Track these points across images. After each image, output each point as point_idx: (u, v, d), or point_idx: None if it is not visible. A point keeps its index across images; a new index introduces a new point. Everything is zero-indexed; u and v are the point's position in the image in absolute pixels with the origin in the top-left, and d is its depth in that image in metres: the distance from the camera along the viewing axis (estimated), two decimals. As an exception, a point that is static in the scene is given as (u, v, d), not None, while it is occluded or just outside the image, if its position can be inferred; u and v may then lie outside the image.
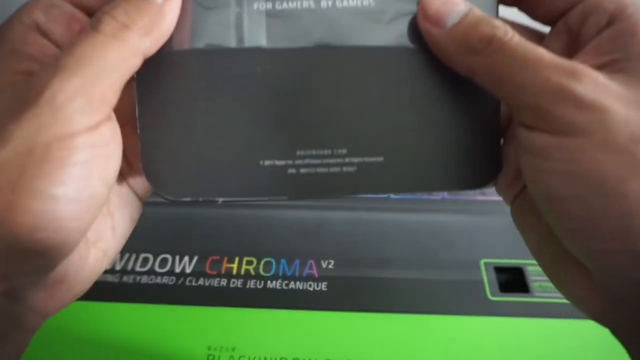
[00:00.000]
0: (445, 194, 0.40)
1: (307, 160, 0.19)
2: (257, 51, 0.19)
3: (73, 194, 0.15)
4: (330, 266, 0.36)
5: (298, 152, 0.19)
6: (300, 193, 0.19)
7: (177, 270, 0.35)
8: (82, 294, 0.19)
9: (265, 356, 0.31)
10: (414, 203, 0.40)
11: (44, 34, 0.18)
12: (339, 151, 0.19)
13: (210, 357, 0.31)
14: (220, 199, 0.19)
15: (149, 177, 0.19)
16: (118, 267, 0.35)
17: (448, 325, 0.32)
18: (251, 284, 0.34)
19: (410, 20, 0.19)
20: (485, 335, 0.31)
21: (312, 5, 0.19)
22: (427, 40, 0.18)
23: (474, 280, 0.35)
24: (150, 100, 0.19)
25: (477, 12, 0.17)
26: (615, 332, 0.17)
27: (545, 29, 0.20)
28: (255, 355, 0.31)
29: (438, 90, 0.19)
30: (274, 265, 0.36)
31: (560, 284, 0.18)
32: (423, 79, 0.19)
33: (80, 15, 0.18)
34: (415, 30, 0.19)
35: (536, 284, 0.34)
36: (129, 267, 0.35)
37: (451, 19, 0.17)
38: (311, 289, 0.34)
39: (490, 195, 0.40)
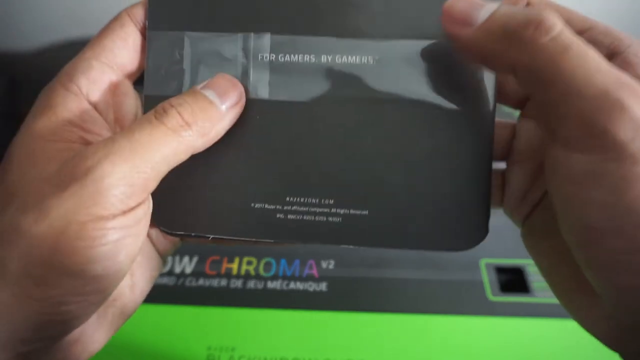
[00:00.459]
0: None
1: (295, 207, 0.20)
2: (258, 102, 0.20)
3: (101, 271, 0.15)
4: (330, 266, 0.36)
5: (287, 199, 0.20)
6: (286, 238, 0.20)
7: (177, 270, 0.35)
8: (96, 352, 0.19)
9: (265, 356, 0.31)
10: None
11: (84, 97, 0.18)
12: (326, 201, 0.20)
13: (210, 357, 0.31)
14: (211, 236, 0.20)
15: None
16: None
17: (448, 325, 0.32)
18: (251, 284, 0.34)
19: (405, 80, 0.19)
20: (485, 335, 0.31)
21: (313, 59, 0.20)
22: (456, 45, 0.17)
23: (474, 280, 0.34)
24: None
25: (510, 5, 0.16)
26: (626, 357, 0.16)
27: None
28: (255, 355, 0.31)
29: (428, 150, 0.19)
30: (274, 266, 0.36)
31: (570, 307, 0.18)
32: (414, 138, 0.19)
33: (117, 78, 0.19)
34: (409, 89, 0.19)
35: (536, 284, 0.34)
36: (130, 267, 0.36)
37: (482, 14, 0.15)
38: (311, 289, 0.34)
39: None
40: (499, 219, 0.38)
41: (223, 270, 0.35)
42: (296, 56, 0.20)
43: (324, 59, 0.20)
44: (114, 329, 0.19)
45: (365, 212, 0.20)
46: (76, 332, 0.17)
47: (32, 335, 0.15)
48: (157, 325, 0.32)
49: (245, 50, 0.20)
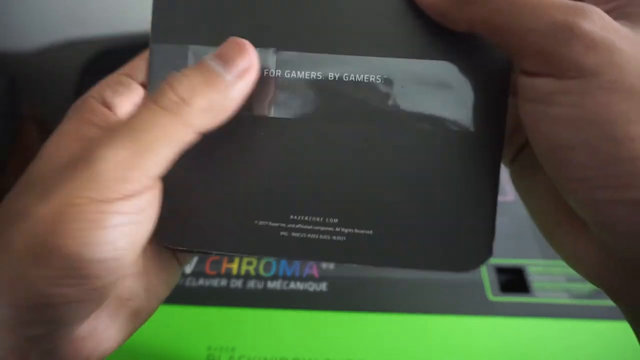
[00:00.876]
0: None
1: (299, 225, 0.20)
2: (263, 119, 0.20)
3: (98, 255, 0.15)
4: (330, 266, 0.36)
5: (292, 217, 0.20)
6: (289, 255, 0.20)
7: (178, 270, 0.35)
8: (110, 352, 0.19)
9: (265, 356, 0.31)
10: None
11: (109, 107, 0.18)
12: (331, 220, 0.20)
13: (210, 357, 0.31)
14: (214, 252, 0.20)
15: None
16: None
17: (448, 325, 0.32)
18: (251, 284, 0.34)
19: (411, 100, 0.19)
20: (485, 335, 0.31)
21: (320, 76, 0.20)
22: (421, 6, 0.18)
23: (474, 280, 0.34)
24: None
25: None
26: (609, 292, 0.17)
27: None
28: (255, 355, 0.31)
29: (434, 171, 0.19)
30: (274, 266, 0.36)
31: (557, 244, 0.18)
32: (420, 158, 0.19)
33: (141, 90, 0.20)
34: (415, 109, 0.19)
35: (536, 284, 0.34)
36: (130, 267, 0.36)
37: None
38: (311, 289, 0.34)
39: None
40: (498, 219, 0.38)
41: (223, 270, 0.35)
42: (302, 73, 0.20)
43: (330, 76, 0.20)
44: (128, 331, 0.19)
45: (370, 232, 0.20)
46: (87, 328, 0.17)
47: (32, 317, 0.16)
48: (157, 325, 0.32)
49: None
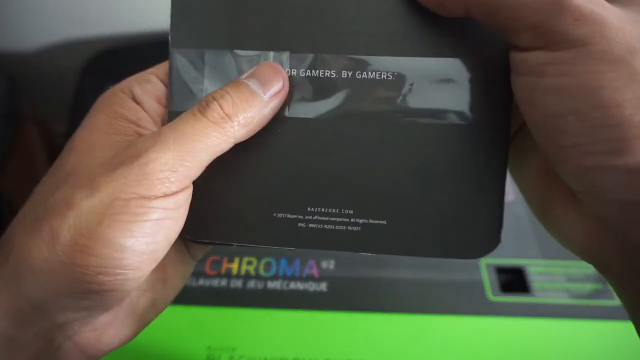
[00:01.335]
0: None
1: (316, 217, 0.21)
2: (281, 119, 0.20)
3: (139, 246, 0.17)
4: (330, 266, 0.36)
5: (309, 209, 0.21)
6: (307, 245, 0.21)
7: (178, 270, 0.35)
8: (127, 341, 0.20)
9: (265, 356, 0.31)
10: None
11: (138, 102, 0.20)
12: (346, 211, 0.21)
13: (211, 357, 0.31)
14: (235, 244, 0.21)
15: None
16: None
17: (448, 325, 0.32)
18: (251, 284, 0.34)
19: (423, 95, 0.20)
20: (485, 335, 0.31)
21: (334, 75, 0.20)
22: None
23: (474, 280, 0.35)
24: None
25: None
26: (599, 266, 0.18)
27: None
28: (255, 355, 0.31)
29: (444, 163, 0.20)
30: (274, 266, 0.36)
31: (551, 224, 0.19)
32: (430, 151, 0.20)
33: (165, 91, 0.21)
34: (426, 104, 0.20)
35: (536, 284, 0.34)
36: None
37: None
38: (311, 289, 0.34)
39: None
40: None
41: (223, 270, 0.35)
42: (317, 71, 0.20)
43: (344, 74, 0.20)
44: (145, 321, 0.20)
45: (384, 222, 0.20)
46: (110, 315, 0.19)
47: (71, 303, 0.17)
48: (157, 325, 0.32)
49: None
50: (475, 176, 0.20)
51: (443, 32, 0.20)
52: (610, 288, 0.18)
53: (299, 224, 0.21)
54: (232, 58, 0.21)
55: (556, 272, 0.35)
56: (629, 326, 0.17)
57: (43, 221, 0.17)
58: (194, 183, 0.19)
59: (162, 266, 0.21)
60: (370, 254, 0.21)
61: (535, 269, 0.35)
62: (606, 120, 0.15)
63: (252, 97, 0.19)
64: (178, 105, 0.21)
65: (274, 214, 0.21)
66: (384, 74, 0.20)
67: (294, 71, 0.20)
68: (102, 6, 0.57)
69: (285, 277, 0.35)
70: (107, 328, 0.19)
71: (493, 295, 0.34)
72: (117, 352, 0.20)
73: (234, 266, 0.36)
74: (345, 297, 0.34)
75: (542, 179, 0.19)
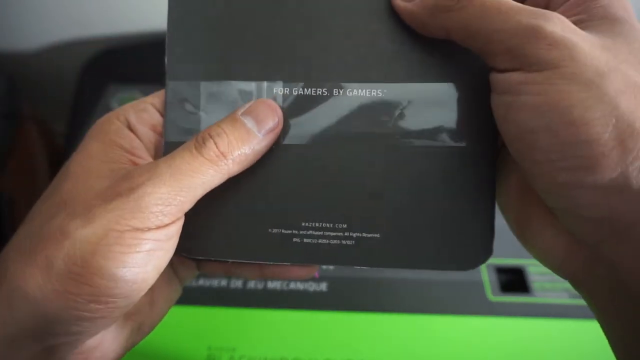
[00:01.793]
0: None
1: (310, 232, 0.21)
2: (276, 146, 0.21)
3: (131, 276, 0.17)
4: (330, 267, 0.36)
5: (303, 224, 0.21)
6: (302, 260, 0.21)
7: (178, 270, 0.35)
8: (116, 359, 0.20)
9: (265, 356, 0.31)
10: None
11: (133, 131, 0.21)
12: (340, 226, 0.21)
13: (211, 357, 0.31)
14: (230, 260, 0.21)
15: None
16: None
17: (448, 325, 0.32)
18: (251, 284, 0.34)
19: (409, 120, 0.21)
20: (485, 335, 0.31)
21: (325, 92, 0.21)
22: (401, 16, 0.20)
23: (474, 280, 0.35)
24: None
25: None
26: (573, 281, 0.18)
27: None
28: (255, 355, 0.31)
29: (435, 179, 0.21)
30: (274, 266, 0.36)
31: (527, 239, 0.19)
32: (422, 168, 0.21)
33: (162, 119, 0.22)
34: (414, 129, 0.20)
35: (536, 284, 0.34)
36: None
37: None
38: (311, 289, 0.34)
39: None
40: (498, 219, 0.38)
41: (223, 270, 0.35)
42: (308, 90, 0.21)
43: (335, 92, 0.21)
44: (130, 344, 0.21)
45: (377, 236, 0.21)
46: (97, 338, 0.19)
47: (62, 328, 0.17)
48: (157, 325, 0.32)
49: (259, 97, 0.21)
50: (467, 192, 0.20)
51: (434, 56, 0.20)
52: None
53: (294, 239, 0.21)
54: (227, 89, 0.21)
55: (556, 272, 0.35)
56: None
57: (38, 249, 0.17)
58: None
59: (149, 290, 0.21)
60: (365, 267, 0.21)
61: (535, 269, 0.35)
62: (576, 137, 0.15)
63: (248, 136, 0.19)
64: (174, 136, 0.21)
65: (269, 230, 0.21)
66: (376, 99, 0.21)
67: (286, 90, 0.21)
68: (102, 6, 0.57)
69: (285, 277, 0.35)
70: (93, 351, 0.19)
71: (493, 295, 0.34)
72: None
73: (234, 266, 0.36)
74: (345, 297, 0.34)
75: (520, 197, 0.19)
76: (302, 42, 0.21)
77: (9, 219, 0.53)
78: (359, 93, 0.21)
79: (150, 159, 0.20)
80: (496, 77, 0.18)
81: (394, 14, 0.20)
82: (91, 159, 0.19)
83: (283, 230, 0.21)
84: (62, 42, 0.61)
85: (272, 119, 0.20)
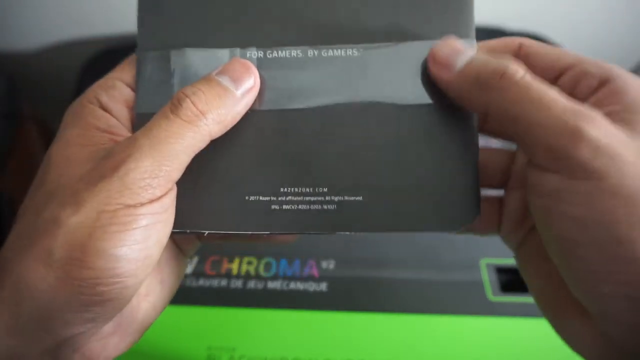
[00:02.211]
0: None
1: (289, 197, 0.20)
2: (252, 112, 0.20)
3: (132, 254, 0.17)
4: (330, 266, 0.36)
5: (282, 189, 0.20)
6: (282, 228, 0.20)
7: (178, 270, 0.35)
8: (132, 345, 0.20)
9: (265, 356, 0.31)
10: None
11: (107, 110, 0.20)
12: (320, 189, 0.20)
13: (211, 357, 0.31)
14: (206, 232, 0.20)
15: None
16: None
17: (448, 325, 0.32)
18: (251, 284, 0.34)
19: (391, 77, 0.20)
20: (485, 335, 0.31)
21: (300, 54, 0.21)
22: (439, 85, 0.19)
23: (474, 280, 0.35)
24: None
25: (485, 54, 0.18)
26: None
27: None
28: (255, 355, 0.31)
29: (417, 136, 0.20)
30: (274, 266, 0.36)
31: (562, 330, 0.19)
32: (403, 128, 0.20)
33: (132, 94, 0.21)
34: (396, 81, 0.20)
35: (537, 284, 0.34)
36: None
37: (460, 61, 0.18)
38: (311, 289, 0.34)
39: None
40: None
41: (223, 270, 0.35)
42: (283, 52, 0.21)
43: (310, 53, 0.21)
44: (146, 325, 0.21)
45: (360, 198, 0.20)
46: (112, 325, 0.19)
47: (73, 317, 0.17)
48: (157, 325, 0.32)
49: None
50: (448, 150, 0.20)
51: (409, 16, 0.20)
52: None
53: (273, 206, 0.20)
54: (199, 56, 0.21)
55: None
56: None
57: (35, 242, 0.17)
58: None
59: (158, 268, 0.21)
60: (348, 233, 0.20)
61: (535, 269, 0.35)
62: (623, 254, 0.15)
63: (225, 94, 0.19)
64: (145, 108, 0.21)
65: (246, 197, 0.20)
66: (351, 54, 0.20)
67: (260, 54, 0.21)
68: (102, 6, 0.57)
69: (285, 277, 0.35)
70: (111, 337, 0.19)
71: (493, 295, 0.34)
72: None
73: (234, 266, 0.36)
74: (345, 297, 0.34)
75: (555, 287, 0.19)
76: (276, 6, 0.21)
77: (9, 219, 0.53)
78: (334, 53, 0.20)
79: (128, 135, 0.20)
80: (535, 176, 0.17)
81: None
82: (71, 145, 0.19)
83: (261, 197, 0.20)
84: (62, 42, 0.61)
85: (249, 78, 0.20)
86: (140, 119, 0.20)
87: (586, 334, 0.17)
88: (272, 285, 0.34)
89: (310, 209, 0.20)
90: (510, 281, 0.35)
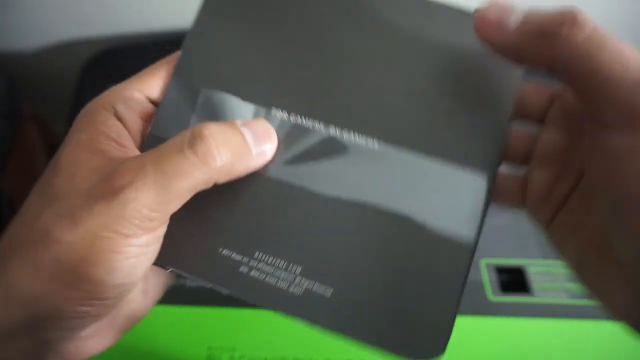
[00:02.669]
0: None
1: (260, 265, 0.20)
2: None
3: (119, 280, 0.17)
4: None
5: (256, 254, 0.20)
6: (240, 293, 0.20)
7: (178, 270, 0.35)
8: (108, 348, 0.20)
9: (265, 356, 0.31)
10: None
11: (120, 119, 0.20)
12: (294, 268, 0.20)
13: (211, 357, 0.31)
14: (170, 269, 0.20)
15: None
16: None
17: (448, 325, 0.32)
18: (251, 284, 0.34)
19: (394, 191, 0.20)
20: (485, 335, 0.31)
21: (322, 129, 0.21)
22: (491, 47, 0.18)
23: (474, 280, 0.34)
24: None
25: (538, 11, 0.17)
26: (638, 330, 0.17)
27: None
28: (255, 355, 0.31)
29: (401, 248, 0.19)
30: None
31: (602, 296, 0.18)
32: (402, 244, 0.20)
33: (149, 108, 0.21)
34: (397, 196, 0.20)
35: (537, 284, 0.34)
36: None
37: (515, 17, 0.17)
38: (311, 289, 0.34)
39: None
40: (498, 219, 0.38)
41: (223, 270, 0.35)
42: (305, 120, 0.21)
43: (332, 132, 0.21)
44: (125, 329, 0.21)
45: (329, 292, 0.19)
46: (91, 329, 0.19)
47: (53, 325, 0.17)
48: (157, 325, 0.32)
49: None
50: (432, 273, 0.19)
51: (455, 132, 0.20)
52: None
53: (241, 268, 0.20)
54: (225, 102, 0.21)
55: (556, 272, 0.35)
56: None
57: (27, 248, 0.17)
58: None
59: (143, 279, 0.20)
60: (303, 322, 0.19)
61: (535, 269, 0.35)
62: None
63: (245, 147, 0.19)
64: (159, 131, 0.21)
65: (219, 250, 0.20)
66: (370, 147, 0.20)
67: (284, 115, 0.21)
68: (102, 6, 0.57)
69: (285, 277, 0.35)
70: (88, 340, 0.19)
71: (493, 295, 0.34)
72: (117, 352, 0.20)
73: (234, 266, 0.36)
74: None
75: (593, 252, 0.18)
76: (310, 77, 0.21)
77: (9, 219, 0.53)
78: (354, 140, 0.20)
79: (135, 149, 0.20)
80: (603, 135, 0.16)
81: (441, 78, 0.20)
82: (79, 151, 0.19)
83: (233, 255, 0.20)
84: (62, 42, 0.61)
85: (269, 142, 0.20)
86: (152, 140, 0.20)
87: (627, 293, 0.17)
88: (272, 285, 0.34)
89: (275, 285, 0.19)
90: (510, 281, 0.35)
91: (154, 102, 0.21)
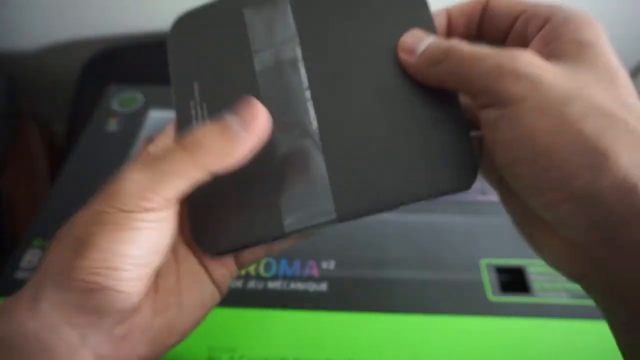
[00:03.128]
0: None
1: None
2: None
3: (124, 251, 0.19)
4: (330, 266, 0.36)
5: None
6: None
7: (178, 270, 0.35)
8: (147, 358, 0.21)
9: (265, 356, 0.31)
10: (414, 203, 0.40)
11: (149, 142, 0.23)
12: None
13: (211, 357, 0.31)
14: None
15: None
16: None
17: (448, 325, 0.32)
18: (251, 284, 0.34)
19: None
20: (485, 335, 0.31)
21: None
22: (407, 69, 0.22)
23: (474, 280, 0.35)
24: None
25: (438, 39, 0.21)
26: (583, 286, 0.19)
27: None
28: (255, 355, 0.31)
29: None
30: (274, 266, 0.36)
31: (538, 248, 0.21)
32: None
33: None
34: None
35: (537, 284, 0.34)
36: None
37: (420, 47, 0.21)
38: (311, 289, 0.34)
39: (490, 195, 0.40)
40: (498, 218, 0.38)
41: (223, 270, 0.35)
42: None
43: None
44: (162, 345, 0.21)
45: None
46: (123, 330, 0.20)
47: (78, 301, 0.18)
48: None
49: None
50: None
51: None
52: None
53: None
54: None
55: (556, 272, 0.35)
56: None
57: (64, 235, 0.20)
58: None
59: (176, 289, 0.22)
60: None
61: (535, 269, 0.35)
62: (548, 164, 0.17)
63: (230, 133, 0.20)
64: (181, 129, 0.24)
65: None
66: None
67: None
68: (102, 6, 0.57)
69: (285, 277, 0.35)
70: (122, 342, 0.20)
71: (493, 295, 0.34)
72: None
73: (234, 266, 0.36)
74: (345, 297, 0.34)
75: (525, 210, 0.20)
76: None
77: (9, 219, 0.53)
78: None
79: None
80: (481, 115, 0.19)
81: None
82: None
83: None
84: (62, 42, 0.61)
85: (258, 119, 0.20)
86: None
87: (556, 244, 0.19)
88: (272, 285, 0.34)
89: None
90: (510, 281, 0.35)
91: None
